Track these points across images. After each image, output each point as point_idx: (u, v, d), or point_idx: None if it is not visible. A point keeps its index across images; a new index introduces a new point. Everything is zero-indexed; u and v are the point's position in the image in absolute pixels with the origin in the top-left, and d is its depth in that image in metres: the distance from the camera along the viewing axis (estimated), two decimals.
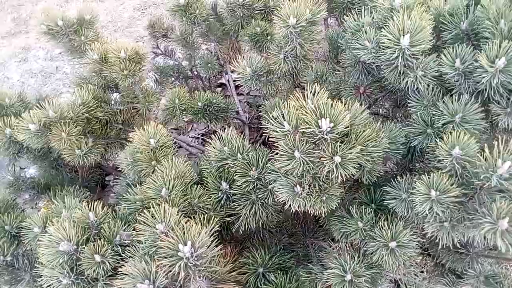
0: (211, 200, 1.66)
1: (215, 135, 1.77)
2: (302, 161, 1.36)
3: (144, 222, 1.31)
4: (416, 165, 1.76)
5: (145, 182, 1.62)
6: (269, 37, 2.53)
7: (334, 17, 3.26)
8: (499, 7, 1.40)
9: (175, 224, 1.23)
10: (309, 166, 1.37)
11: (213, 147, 1.72)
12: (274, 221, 1.74)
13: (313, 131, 1.34)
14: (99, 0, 4.95)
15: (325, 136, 1.33)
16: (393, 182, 1.46)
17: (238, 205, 1.65)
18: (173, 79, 3.12)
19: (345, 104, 1.46)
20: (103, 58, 2.23)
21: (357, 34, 1.63)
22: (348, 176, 1.37)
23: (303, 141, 1.37)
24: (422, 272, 2.25)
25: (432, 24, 1.52)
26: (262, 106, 2.10)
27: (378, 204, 1.60)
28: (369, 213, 1.51)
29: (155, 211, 1.33)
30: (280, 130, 1.39)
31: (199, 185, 1.68)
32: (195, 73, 3.24)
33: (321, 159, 1.36)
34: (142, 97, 2.45)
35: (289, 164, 1.37)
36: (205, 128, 3.33)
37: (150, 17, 3.21)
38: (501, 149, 1.19)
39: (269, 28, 2.53)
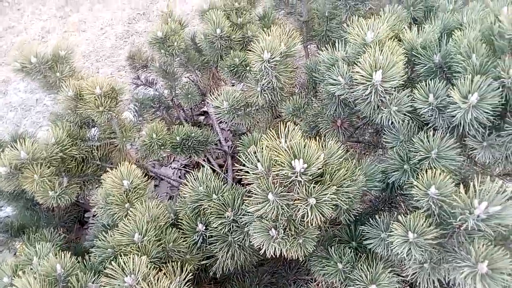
0: (187, 243, 1.60)
1: (192, 172, 1.72)
2: (276, 204, 1.32)
3: (112, 275, 1.25)
4: (397, 197, 1.73)
5: (118, 226, 1.57)
6: (248, 68, 2.52)
7: (315, 44, 3.27)
8: (470, 41, 1.39)
9: (143, 279, 1.17)
10: (283, 209, 1.32)
11: (189, 187, 1.67)
12: (253, 261, 1.69)
13: (286, 172, 1.30)
14: (81, 29, 4.94)
15: (299, 178, 1.30)
16: (372, 220, 1.42)
17: (215, 248, 1.59)
18: (153, 110, 3.08)
19: (320, 142, 1.44)
20: (78, 95, 2.19)
21: (331, 69, 1.61)
22: (324, 218, 1.33)
23: (277, 183, 1.33)
24: None
25: (405, 58, 1.51)
26: (241, 139, 2.06)
27: (359, 242, 1.55)
28: (348, 254, 1.47)
29: (124, 262, 1.28)
30: (253, 172, 1.35)
31: (174, 228, 1.63)
32: (177, 103, 3.20)
33: (296, 201, 1.32)
34: (120, 132, 2.41)
35: (263, 208, 1.33)
36: (187, 158, 3.29)
37: (130, 47, 3.18)
38: (477, 188, 1.16)
39: (247, 59, 2.52)
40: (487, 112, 1.30)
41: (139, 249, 1.46)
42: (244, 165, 1.42)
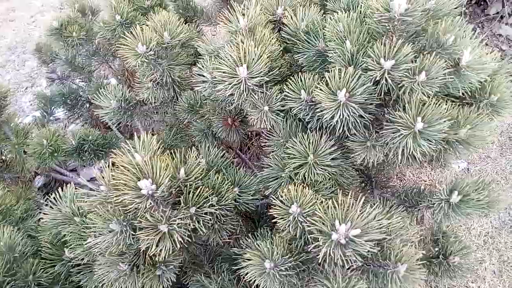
0: (52, 273, 1.40)
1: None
2: (122, 235, 1.12)
3: None
4: None
5: None
6: None
7: None
8: (344, 24, 1.17)
9: None
10: (130, 240, 1.12)
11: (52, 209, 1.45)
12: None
13: (131, 196, 1.09)
14: (9, 19, 4.57)
15: (146, 202, 1.09)
16: (238, 244, 1.23)
17: (83, 276, 1.39)
18: (69, 107, 2.81)
19: (184, 154, 1.23)
20: None
21: (199, 63, 1.39)
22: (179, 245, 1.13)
23: (121, 209, 1.13)
24: None
25: (280, 47, 1.30)
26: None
27: None
28: (223, 278, 1.28)
29: None
30: (89, 201, 1.14)
31: (38, 256, 1.43)
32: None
33: (144, 230, 1.11)
34: (14, 138, 2.16)
35: (104, 241, 1.12)
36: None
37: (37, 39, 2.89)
38: (337, 206, 0.97)
39: None
40: (364, 110, 1.11)
41: None
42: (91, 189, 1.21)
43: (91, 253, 1.34)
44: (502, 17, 3.60)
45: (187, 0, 2.68)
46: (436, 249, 1.42)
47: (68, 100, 2.83)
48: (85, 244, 1.13)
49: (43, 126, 2.54)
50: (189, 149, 1.29)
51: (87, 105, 2.93)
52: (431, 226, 1.44)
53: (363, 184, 1.64)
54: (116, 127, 2.72)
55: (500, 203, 1.24)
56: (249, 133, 1.65)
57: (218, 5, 2.83)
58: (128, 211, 1.12)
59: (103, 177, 1.19)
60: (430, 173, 2.74)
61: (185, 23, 2.61)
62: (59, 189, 1.46)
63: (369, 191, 1.59)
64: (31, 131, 2.24)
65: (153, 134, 2.10)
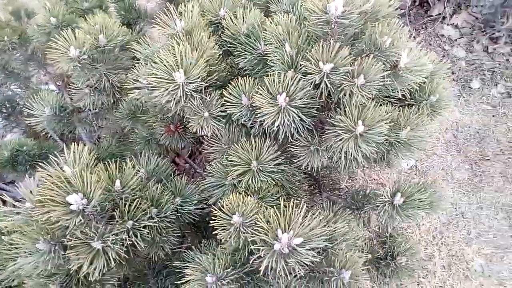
0: None
1: None
2: (52, 255, 1.03)
3: None
4: None
5: None
6: None
7: None
8: (283, 26, 1.15)
9: None
10: (59, 260, 1.04)
11: None
12: None
13: (60, 212, 1.01)
14: None
15: (76, 219, 1.01)
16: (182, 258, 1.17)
17: None
18: (3, 117, 2.62)
19: (118, 168, 1.15)
20: None
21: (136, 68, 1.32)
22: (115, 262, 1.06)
23: (49, 227, 1.04)
24: None
25: (220, 50, 1.25)
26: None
27: None
28: None
29: None
30: (15, 217, 1.05)
31: None
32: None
33: (75, 248, 1.03)
34: None
35: (33, 260, 1.03)
36: None
37: None
38: (280, 215, 0.94)
39: None
40: (305, 114, 1.09)
41: None
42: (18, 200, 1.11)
43: (19, 275, 1.24)
44: (444, 18, 3.74)
45: (130, 2, 2.58)
46: (384, 250, 1.43)
47: (4, 109, 2.64)
48: (13, 265, 1.03)
49: None
50: (132, 157, 1.23)
51: (25, 113, 2.75)
52: (378, 227, 1.45)
53: (311, 187, 1.63)
54: (56, 135, 2.57)
55: (442, 203, 1.26)
56: (199, 137, 1.58)
57: (163, 7, 2.75)
58: (56, 229, 1.03)
59: (30, 192, 1.10)
60: (380, 172, 2.80)
61: (128, 25, 2.53)
62: None
63: (317, 194, 1.58)
64: None
65: (98, 141, 2.00)
